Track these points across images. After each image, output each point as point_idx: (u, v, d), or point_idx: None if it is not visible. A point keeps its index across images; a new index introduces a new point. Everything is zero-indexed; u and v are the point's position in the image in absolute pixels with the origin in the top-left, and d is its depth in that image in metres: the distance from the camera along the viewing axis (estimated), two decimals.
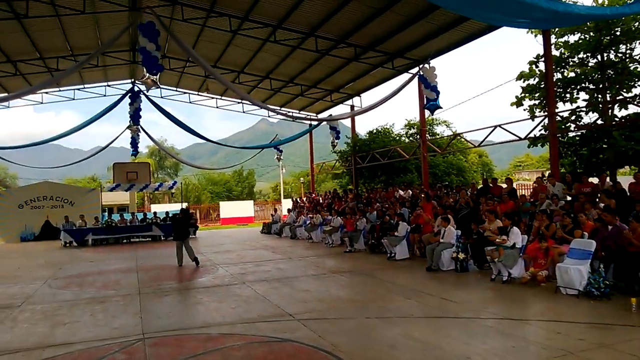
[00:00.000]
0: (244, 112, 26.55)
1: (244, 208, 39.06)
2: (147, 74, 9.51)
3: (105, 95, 24.92)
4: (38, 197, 25.06)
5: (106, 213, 25.19)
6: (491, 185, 14.51)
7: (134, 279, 10.90)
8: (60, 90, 23.84)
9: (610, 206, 10.18)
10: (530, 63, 14.43)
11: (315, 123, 19.63)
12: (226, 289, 9.35)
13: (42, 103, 24.55)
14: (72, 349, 5.76)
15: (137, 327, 6.65)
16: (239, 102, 26.21)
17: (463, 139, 17.06)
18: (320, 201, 23.66)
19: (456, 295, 8.15)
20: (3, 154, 21.55)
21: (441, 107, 11.94)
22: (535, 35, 14.49)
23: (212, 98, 25.56)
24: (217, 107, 26.27)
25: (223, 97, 25.70)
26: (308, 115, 25.73)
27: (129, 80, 24.59)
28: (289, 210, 23.94)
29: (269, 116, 27.75)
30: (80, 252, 17.72)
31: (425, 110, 14.99)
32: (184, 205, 27.61)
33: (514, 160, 75.83)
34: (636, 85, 13.59)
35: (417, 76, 12.53)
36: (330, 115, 17.25)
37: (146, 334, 6.31)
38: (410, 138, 24.54)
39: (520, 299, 7.87)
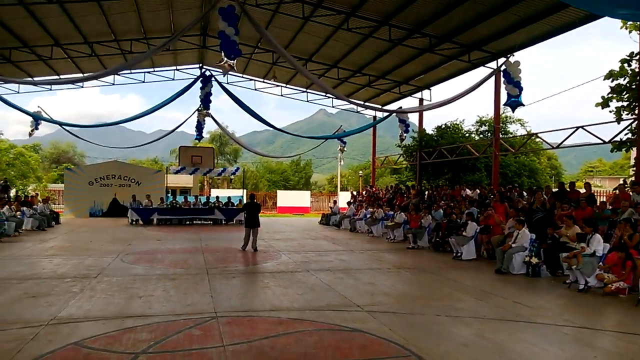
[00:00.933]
0: (307, 101, 26.73)
1: (301, 198, 39.45)
2: (225, 58, 9.67)
3: (173, 79, 25.83)
4: (107, 175, 26.44)
5: (170, 195, 26.21)
6: (568, 189, 13.75)
7: (200, 259, 11.26)
8: (130, 73, 24.85)
9: None
10: (623, 61, 13.40)
11: (382, 115, 19.29)
12: (291, 275, 9.45)
13: (112, 84, 25.82)
14: (150, 321, 6.01)
15: (209, 306, 6.84)
16: (303, 91, 26.38)
17: (539, 139, 16.18)
18: (380, 195, 23.44)
19: (529, 299, 7.78)
20: (75, 131, 22.81)
21: (523, 105, 11.35)
22: (630, 32, 13.45)
23: (277, 86, 25.86)
24: (281, 95, 26.57)
25: (288, 85, 25.95)
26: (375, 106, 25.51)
27: (197, 65, 25.38)
28: (348, 203, 23.89)
29: (333, 106, 27.53)
30: (146, 231, 18.54)
31: (502, 107, 14.50)
32: (244, 192, 28.32)
33: (585, 166, 71.89)
34: None
35: (494, 71, 11.96)
36: (400, 107, 16.91)
37: (218, 312, 6.48)
38: (481, 135, 23.69)
39: (598, 308, 7.42)
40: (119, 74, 23.58)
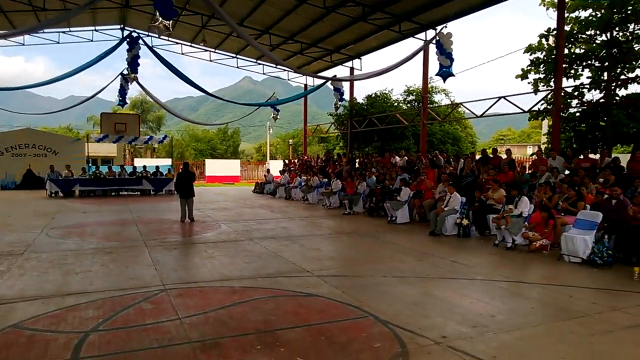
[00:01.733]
0: (238, 67, 25.95)
1: (230, 167, 38.82)
2: (160, 19, 9.07)
3: (92, 41, 23.87)
4: (19, 144, 24.31)
5: (91, 164, 24.66)
6: (491, 155, 14.66)
7: (135, 232, 10.80)
8: (43, 32, 22.55)
9: (610, 181, 10.46)
10: (541, 36, 14.33)
11: (318, 83, 19.19)
12: (235, 244, 9.35)
13: (22, 45, 23.47)
14: (94, 298, 5.71)
15: (155, 278, 6.62)
16: (232, 57, 25.54)
17: (466, 109, 17.01)
18: (312, 164, 23.64)
19: (464, 258, 8.32)
20: None
21: (454, 75, 11.82)
22: (547, 8, 14.35)
23: (206, 51, 24.80)
24: (210, 61, 25.54)
25: (217, 50, 24.97)
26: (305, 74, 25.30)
27: (118, 26, 23.59)
28: (281, 172, 23.86)
29: (264, 73, 26.92)
30: (69, 203, 17.42)
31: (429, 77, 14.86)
32: (169, 161, 27.25)
33: (497, 134, 76.67)
34: (639, 65, 13.67)
35: (428, 41, 12.27)
36: (335, 75, 16.94)
37: (166, 284, 6.30)
38: (409, 105, 24.41)
39: (526, 264, 8.10)
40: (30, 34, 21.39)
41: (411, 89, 24.90)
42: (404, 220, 12.69)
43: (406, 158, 17.90)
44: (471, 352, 4.17)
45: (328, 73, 23.96)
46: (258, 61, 25.68)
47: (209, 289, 6.18)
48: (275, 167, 30.74)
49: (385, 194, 13.89)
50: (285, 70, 26.46)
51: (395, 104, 24.03)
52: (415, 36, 17.92)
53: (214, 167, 37.91)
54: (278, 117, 22.17)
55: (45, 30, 22.27)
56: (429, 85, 22.45)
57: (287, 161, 27.15)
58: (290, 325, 4.78)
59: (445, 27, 11.90)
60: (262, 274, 6.94)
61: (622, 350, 4.34)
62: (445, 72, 11.60)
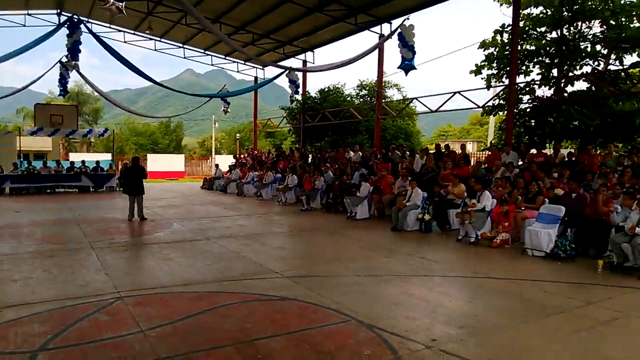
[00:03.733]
0: (185, 57, 24.81)
1: (174, 162, 37.39)
2: (112, 0, 8.26)
3: (25, 26, 21.94)
4: None
5: (23, 160, 22.77)
6: (445, 151, 14.77)
7: (77, 232, 9.91)
8: None
9: (564, 175, 10.74)
10: (496, 32, 14.57)
11: (267, 77, 18.63)
12: (191, 244, 8.75)
13: None
14: (39, 309, 5.01)
15: (107, 285, 5.97)
16: (179, 47, 24.39)
17: (421, 104, 17.11)
18: (264, 159, 23.07)
19: (433, 254, 8.21)
20: None
21: (416, 68, 11.74)
22: (501, 5, 14.61)
23: (151, 39, 23.50)
24: (155, 50, 24.27)
25: (163, 39, 23.73)
26: (255, 67, 24.65)
27: (55, 11, 21.82)
28: (230, 167, 23.10)
29: (212, 64, 25.93)
30: None
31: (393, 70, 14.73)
32: (109, 155, 25.74)
33: (438, 130, 78.97)
34: (586, 63, 14.24)
35: (391, 33, 12.12)
36: (291, 67, 16.45)
37: (121, 291, 5.68)
38: (361, 99, 24.34)
39: (493, 259, 8.08)
40: None
41: (364, 83, 24.86)
42: (363, 216, 12.51)
43: (360, 153, 17.78)
44: (466, 355, 3.95)
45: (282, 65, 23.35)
46: (206, 52, 24.69)
47: (170, 295, 5.62)
48: (222, 161, 29.84)
49: (344, 190, 13.65)
50: (234, 62, 25.63)
51: (349, 98, 23.89)
52: (371, 29, 17.78)
53: (157, 162, 36.30)
54: (229, 110, 21.38)
55: None
56: (385, 80, 22.54)
57: (238, 156, 26.37)
58: (269, 333, 4.37)
59: (408, 19, 11.78)
60: (227, 277, 6.44)
61: (609, 347, 4.27)
62: (407, 65, 11.50)
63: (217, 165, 24.30)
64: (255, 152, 25.60)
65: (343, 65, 12.07)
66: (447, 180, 11.70)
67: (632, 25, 13.36)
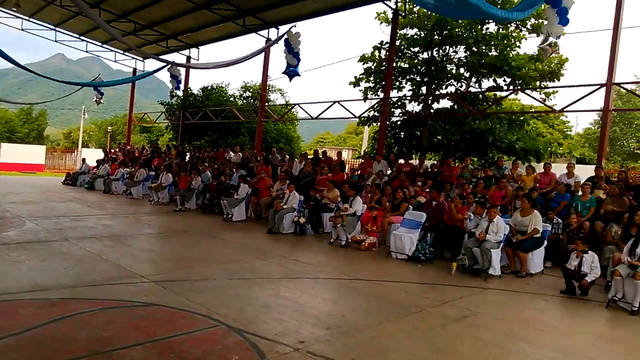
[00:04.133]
0: (56, 41, 22.35)
1: (33, 153, 33.34)
2: None
3: None
4: None
5: None
6: (321, 157, 15.30)
7: None
8: None
9: (427, 184, 11.78)
10: (375, 48, 15.50)
11: (147, 69, 17.54)
12: (46, 245, 7.88)
13: None
14: None
15: None
16: (52, 29, 21.92)
17: (302, 109, 17.51)
18: (137, 155, 21.69)
19: (305, 257, 8.42)
20: None
21: (299, 75, 11.97)
22: (381, 23, 15.59)
23: (17, 17, 20.77)
24: (22, 30, 21.51)
25: (32, 19, 21.13)
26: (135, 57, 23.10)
27: None
28: (99, 162, 21.32)
29: (87, 50, 23.75)
30: None
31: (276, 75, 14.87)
32: None
33: (316, 137, 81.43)
34: (451, 84, 15.80)
35: (279, 38, 12.21)
36: (173, 61, 15.61)
37: None
38: (245, 101, 24.12)
39: (361, 261, 8.55)
40: None
41: (248, 85, 24.71)
42: (240, 217, 12.39)
43: (240, 154, 17.63)
44: (331, 355, 4.11)
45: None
46: (81, 37, 22.55)
47: (16, 302, 5.00)
48: (90, 156, 27.40)
49: (221, 190, 13.40)
50: (112, 50, 23.76)
51: (232, 98, 23.54)
52: (259, 32, 17.75)
53: (12, 152, 32.08)
54: (102, 101, 19.69)
55: None
56: (269, 84, 22.63)
57: (108, 150, 24.43)
58: (130, 342, 4.09)
59: (295, 26, 11.98)
60: (86, 282, 5.91)
61: (458, 343, 4.74)
62: (292, 72, 11.69)
63: (83, 160, 22.23)
64: (128, 147, 23.97)
65: (228, 65, 11.88)
66: (323, 185, 12.14)
67: (490, 54, 15.09)
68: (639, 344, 5.26)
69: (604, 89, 11.15)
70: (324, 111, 16.34)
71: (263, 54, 17.79)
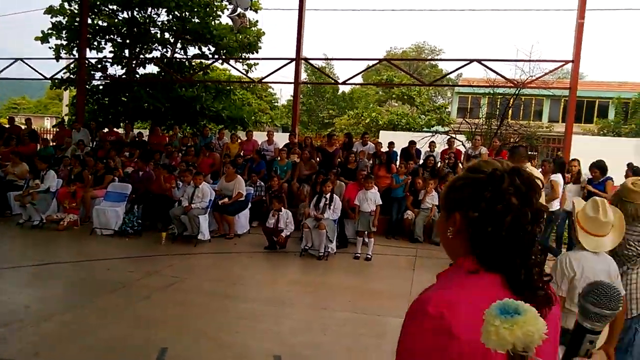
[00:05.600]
0: None
1: None
2: None
3: None
4: None
5: None
6: (7, 125, 12.89)
7: None
8: None
9: (135, 154, 11.31)
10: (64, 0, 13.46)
11: None
12: None
13: None
14: None
15: None
16: None
17: None
18: None
19: None
20: None
21: None
22: None
23: None
24: None
25: None
26: None
27: None
28: None
29: None
30: None
31: None
32: None
33: (9, 102, 68.41)
34: (156, 48, 15.20)
35: None
36: None
37: None
38: None
39: (59, 242, 7.73)
40: None
41: None
42: None
43: None
44: (9, 356, 3.58)
45: None
46: None
47: None
48: None
49: None
50: None
51: None
52: None
53: None
54: None
55: None
56: None
57: None
58: None
59: None
60: None
61: (161, 310, 4.79)
62: None
63: None
64: None
65: None
66: (7, 159, 10.25)
67: (193, 20, 14.96)
68: (321, 283, 6.31)
69: (294, 63, 12.53)
70: (3, 69, 13.54)
71: None
